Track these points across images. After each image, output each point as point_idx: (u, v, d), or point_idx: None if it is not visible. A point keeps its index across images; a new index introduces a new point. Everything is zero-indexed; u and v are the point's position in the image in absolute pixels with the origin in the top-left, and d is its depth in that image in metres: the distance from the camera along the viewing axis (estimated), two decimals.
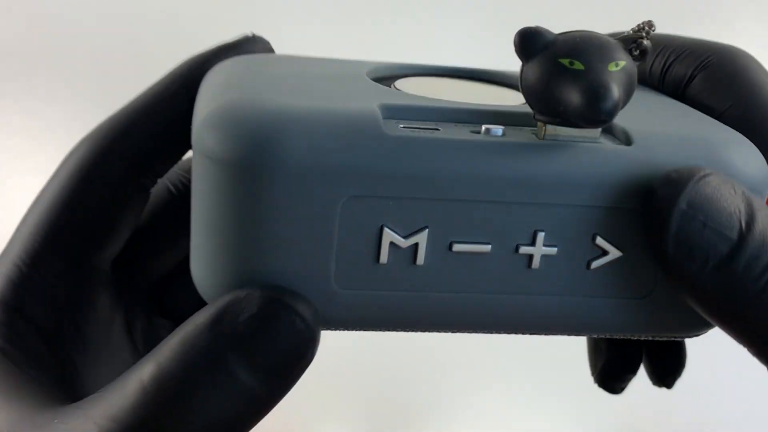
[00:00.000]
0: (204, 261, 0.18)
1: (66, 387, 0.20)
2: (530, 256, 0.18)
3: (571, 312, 0.19)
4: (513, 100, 0.21)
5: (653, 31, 0.18)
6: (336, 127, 0.17)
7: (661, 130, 0.19)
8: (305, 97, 0.18)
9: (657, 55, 0.23)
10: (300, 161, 0.17)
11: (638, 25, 0.18)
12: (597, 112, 0.16)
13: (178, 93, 0.23)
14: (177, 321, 0.23)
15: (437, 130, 0.18)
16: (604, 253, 0.18)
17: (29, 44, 0.57)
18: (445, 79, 0.23)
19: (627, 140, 0.18)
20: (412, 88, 0.21)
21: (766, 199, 0.19)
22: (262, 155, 0.17)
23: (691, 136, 0.18)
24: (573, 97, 0.16)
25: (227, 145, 0.17)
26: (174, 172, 0.25)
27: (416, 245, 0.18)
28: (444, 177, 0.17)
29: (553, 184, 0.17)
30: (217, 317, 0.16)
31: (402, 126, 0.18)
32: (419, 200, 0.17)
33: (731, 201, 0.17)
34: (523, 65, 0.18)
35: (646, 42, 0.17)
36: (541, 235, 0.18)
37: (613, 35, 0.18)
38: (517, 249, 0.18)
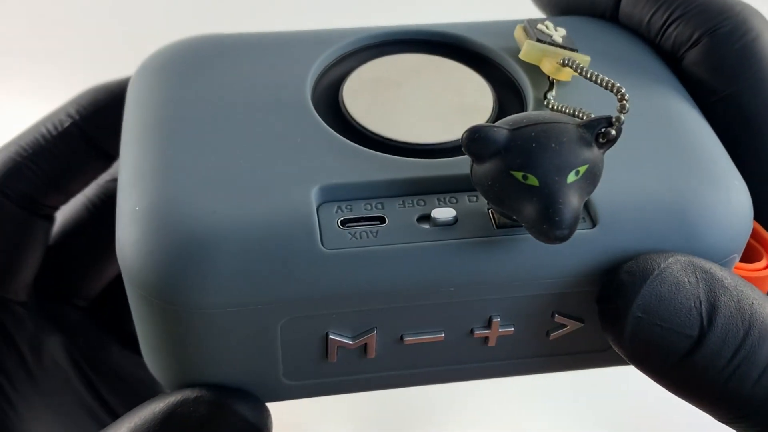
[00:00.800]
0: (149, 361, 0.18)
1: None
2: (486, 338, 0.17)
3: (531, 367, 0.19)
4: (482, 94, 0.19)
5: (627, 110, 0.16)
6: (267, 250, 0.15)
7: (629, 200, 0.17)
8: (233, 188, 0.16)
9: (660, 6, 0.20)
10: (229, 298, 0.15)
11: (611, 86, 0.16)
12: (552, 236, 0.15)
13: (70, 131, 0.22)
14: (122, 336, 0.23)
15: (382, 221, 0.16)
16: (563, 325, 0.17)
17: (29, 44, 0.56)
18: (404, 63, 0.21)
19: (592, 220, 0.17)
20: (362, 99, 0.19)
21: (738, 261, 0.18)
22: (185, 293, 0.15)
23: (663, 206, 0.17)
24: (527, 213, 0.15)
25: (151, 281, 0.15)
26: (92, 188, 0.24)
27: (366, 344, 0.17)
28: (388, 290, 0.16)
29: (509, 282, 0.16)
30: (167, 417, 0.16)
31: (341, 221, 0.16)
32: (365, 311, 0.16)
33: (691, 294, 0.16)
34: (473, 164, 0.16)
35: (613, 132, 0.16)
36: (496, 320, 0.17)
37: (585, 123, 0.15)
38: (471, 332, 0.17)
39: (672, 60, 0.21)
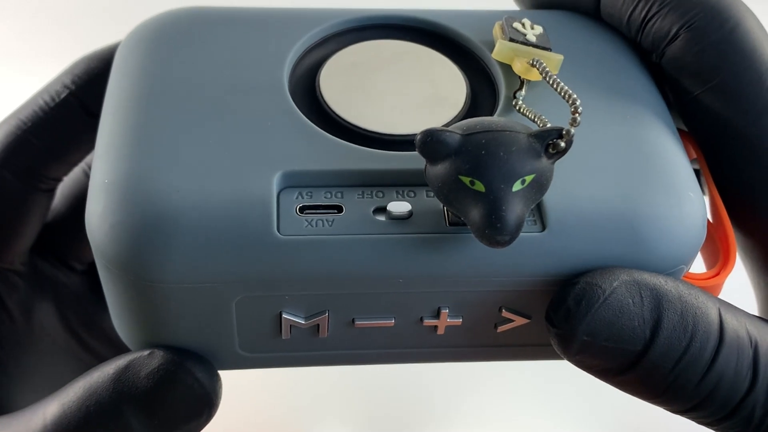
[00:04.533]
0: (116, 324, 0.19)
1: None
2: (435, 326, 0.18)
3: (479, 355, 0.19)
4: (457, 87, 0.20)
5: (577, 123, 0.16)
6: (225, 231, 0.16)
7: (580, 206, 0.17)
8: (200, 167, 0.16)
9: (639, 3, 0.20)
10: (187, 273, 0.16)
11: (568, 97, 0.16)
12: (493, 240, 0.15)
13: (68, 101, 0.23)
14: None
15: (339, 210, 0.17)
16: (510, 320, 0.18)
17: (30, 44, 0.56)
18: (385, 49, 0.21)
19: (541, 223, 0.17)
20: (338, 84, 0.19)
21: (688, 269, 0.19)
22: (146, 266, 0.16)
23: (613, 213, 0.17)
24: (472, 216, 0.15)
25: (113, 253, 0.16)
26: (92, 155, 0.24)
27: (318, 325, 0.17)
28: (341, 279, 0.16)
29: (457, 278, 0.17)
30: (120, 371, 0.17)
31: (300, 207, 0.17)
32: (316, 295, 0.17)
33: (636, 314, 0.16)
34: (426, 164, 0.16)
35: (563, 144, 0.16)
36: (444, 311, 0.17)
37: (536, 133, 0.16)
38: (421, 320, 0.18)
39: (653, 56, 0.21)
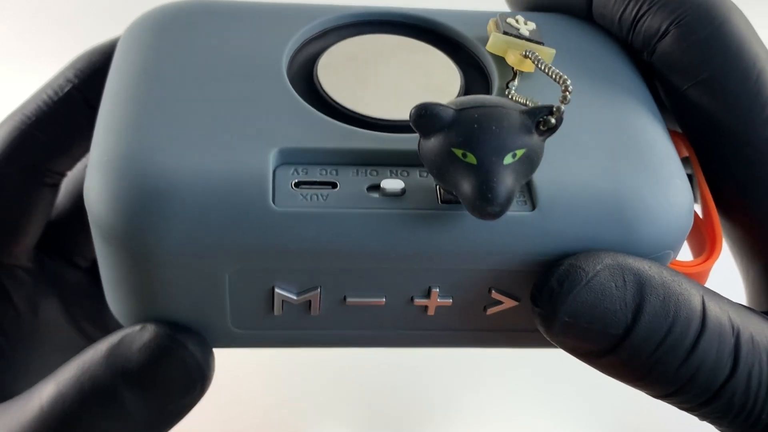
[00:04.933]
0: (109, 298, 0.19)
1: None
2: (425, 306, 0.18)
3: (469, 340, 0.19)
4: (450, 78, 0.20)
5: (568, 101, 0.17)
6: (221, 204, 0.16)
7: (570, 188, 0.17)
8: (198, 144, 0.17)
9: (629, 3, 0.21)
10: (183, 244, 0.16)
11: (559, 78, 0.17)
12: (484, 212, 0.16)
13: (71, 95, 0.23)
14: None
15: (333, 186, 0.17)
16: (500, 302, 0.18)
17: (30, 44, 0.57)
18: (382, 43, 0.21)
19: (531, 203, 0.17)
20: (335, 73, 0.20)
21: (676, 255, 0.19)
22: (143, 236, 0.16)
23: (602, 196, 0.17)
24: (464, 189, 0.16)
25: (111, 224, 0.16)
26: None
27: (309, 301, 0.18)
28: (334, 252, 0.16)
29: (448, 255, 0.17)
30: (113, 347, 0.17)
31: (295, 182, 0.17)
32: (310, 270, 0.17)
33: (618, 297, 0.17)
34: (420, 138, 0.17)
35: (553, 120, 0.16)
36: (435, 291, 0.18)
37: (529, 110, 0.16)
38: (411, 300, 0.18)
39: (644, 54, 0.21)
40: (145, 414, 0.17)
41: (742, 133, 0.19)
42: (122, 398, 0.17)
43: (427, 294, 0.18)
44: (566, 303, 0.17)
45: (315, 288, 0.17)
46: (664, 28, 0.20)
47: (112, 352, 0.17)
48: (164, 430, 0.18)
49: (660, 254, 0.18)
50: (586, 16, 0.23)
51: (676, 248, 0.19)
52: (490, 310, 0.19)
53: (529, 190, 0.18)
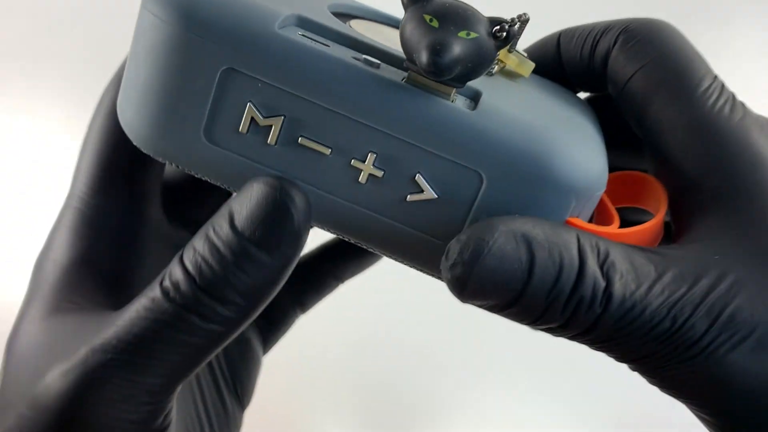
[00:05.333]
0: (127, 97, 0.22)
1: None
2: (359, 171, 0.21)
3: (385, 231, 0.22)
4: None
5: (525, 21, 0.21)
6: (244, 8, 0.20)
7: (512, 111, 0.21)
8: None
9: (588, 36, 0.25)
10: (205, 22, 0.20)
11: (519, 16, 0.21)
12: (431, 64, 0.19)
13: None
14: None
15: (326, 45, 0.21)
16: (421, 190, 0.21)
17: (30, 44, 0.57)
18: (395, 29, 0.25)
19: (474, 105, 0.21)
20: (358, 27, 0.24)
21: (576, 210, 0.21)
22: (181, 11, 0.20)
23: (532, 126, 0.20)
24: (420, 47, 0.19)
25: (165, 6, 0.20)
26: None
27: (271, 126, 0.21)
28: (308, 80, 0.20)
29: (393, 119, 0.20)
30: (232, 214, 0.20)
31: (300, 33, 0.21)
32: (283, 92, 0.20)
33: (514, 258, 0.19)
34: (403, 19, 0.20)
35: (509, 27, 0.20)
36: (372, 156, 0.21)
37: (493, 18, 0.20)
38: (350, 161, 0.21)
39: (603, 68, 0.25)
40: (274, 261, 0.20)
41: (675, 110, 0.23)
42: (254, 256, 0.20)
43: (364, 158, 0.21)
44: (473, 272, 0.19)
45: (279, 115, 0.20)
46: (611, 43, 0.24)
47: (233, 219, 0.20)
48: (290, 270, 0.21)
49: (563, 200, 0.21)
50: (557, 59, 0.27)
51: (581, 202, 0.21)
52: (410, 197, 0.21)
53: (475, 98, 0.21)
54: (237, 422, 0.30)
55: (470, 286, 0.19)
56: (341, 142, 0.21)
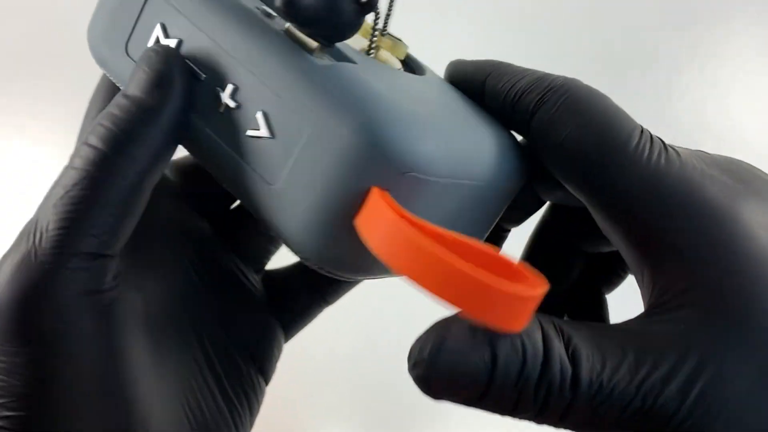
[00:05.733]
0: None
1: None
2: (220, 99, 0.23)
3: (228, 165, 0.23)
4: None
5: None
6: None
7: (369, 83, 0.22)
8: None
9: (511, 89, 0.25)
10: None
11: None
12: (284, 3, 0.20)
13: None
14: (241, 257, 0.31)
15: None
16: (258, 128, 0.22)
17: (30, 44, 0.56)
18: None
19: (334, 60, 0.22)
20: None
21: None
22: None
23: (369, 95, 0.21)
24: None
25: None
26: None
27: (181, 41, 0.23)
28: (207, 13, 0.23)
29: (254, 56, 0.22)
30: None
31: None
32: (186, 19, 0.23)
33: (474, 352, 0.19)
34: None
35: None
36: (230, 87, 0.22)
37: None
38: (216, 90, 0.23)
39: (525, 126, 0.25)
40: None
41: (601, 164, 0.23)
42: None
43: (225, 88, 0.22)
44: (434, 370, 0.19)
45: (177, 38, 0.23)
46: (532, 107, 0.25)
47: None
48: None
49: (369, 163, 0.21)
50: (479, 93, 0.27)
51: (390, 174, 0.21)
52: (250, 132, 0.22)
53: (340, 57, 0.23)
54: (260, 389, 0.30)
55: (434, 385, 0.20)
56: (213, 71, 0.23)
